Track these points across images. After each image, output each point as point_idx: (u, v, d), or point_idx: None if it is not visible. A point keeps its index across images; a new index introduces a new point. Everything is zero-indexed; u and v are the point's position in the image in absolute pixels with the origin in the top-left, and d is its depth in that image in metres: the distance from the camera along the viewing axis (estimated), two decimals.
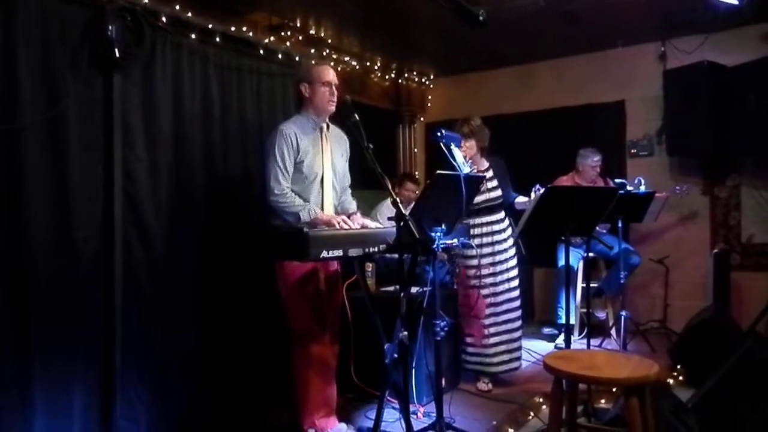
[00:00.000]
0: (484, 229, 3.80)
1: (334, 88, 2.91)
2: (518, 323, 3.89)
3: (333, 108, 2.94)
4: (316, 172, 2.91)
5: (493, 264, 3.79)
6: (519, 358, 3.93)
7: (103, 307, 2.71)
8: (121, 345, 2.74)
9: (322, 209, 2.89)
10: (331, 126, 3.04)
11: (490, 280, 3.77)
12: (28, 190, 2.46)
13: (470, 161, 3.67)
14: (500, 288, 3.79)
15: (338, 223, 2.71)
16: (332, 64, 5.20)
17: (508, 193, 3.91)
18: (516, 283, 3.89)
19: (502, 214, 3.88)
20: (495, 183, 3.84)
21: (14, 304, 2.42)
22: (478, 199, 3.67)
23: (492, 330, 3.75)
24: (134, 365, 2.81)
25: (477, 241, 3.74)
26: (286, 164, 2.81)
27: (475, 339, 3.76)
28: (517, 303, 3.88)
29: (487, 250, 3.78)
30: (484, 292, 3.74)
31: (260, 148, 3.11)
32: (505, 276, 3.82)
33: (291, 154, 2.82)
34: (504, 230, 3.85)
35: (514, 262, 3.90)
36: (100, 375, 2.70)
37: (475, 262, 3.73)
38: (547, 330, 5.34)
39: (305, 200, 2.84)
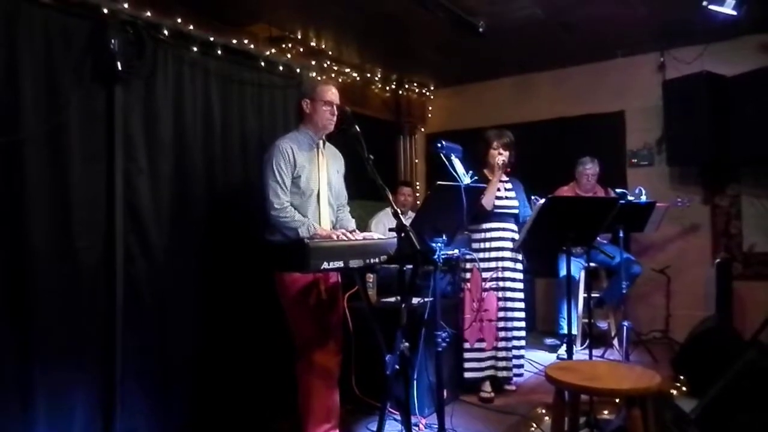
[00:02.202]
0: (501, 234, 3.86)
1: (335, 108, 2.93)
2: (520, 333, 3.93)
3: (332, 127, 2.98)
4: (312, 188, 2.93)
5: (506, 269, 3.86)
6: (521, 366, 3.97)
7: (105, 316, 2.72)
8: (122, 354, 2.74)
9: (319, 225, 2.89)
10: (327, 143, 3.07)
11: (501, 284, 3.84)
12: (30, 200, 2.48)
13: (501, 170, 3.85)
14: (507, 294, 3.86)
15: (338, 237, 2.71)
16: (333, 75, 5.24)
17: (524, 210, 3.97)
18: (521, 294, 3.93)
19: (515, 227, 3.94)
20: (513, 194, 3.95)
21: (16, 312, 2.43)
22: (497, 203, 3.81)
23: (501, 334, 3.82)
24: (135, 375, 2.81)
25: (494, 244, 3.83)
26: (284, 179, 2.83)
27: (488, 344, 3.77)
28: (520, 314, 3.92)
29: (500, 254, 3.84)
30: (498, 295, 3.80)
31: (260, 159, 3.12)
32: (509, 285, 3.87)
33: (288, 169, 2.84)
34: (515, 240, 3.91)
35: (518, 275, 3.94)
36: (101, 384, 2.70)
37: (492, 264, 3.80)
38: (549, 341, 5.32)
39: (302, 216, 2.85)
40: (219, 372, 3.18)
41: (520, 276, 3.95)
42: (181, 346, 3.03)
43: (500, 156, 3.84)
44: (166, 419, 2.94)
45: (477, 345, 3.79)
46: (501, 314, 3.82)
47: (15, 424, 2.41)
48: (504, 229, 3.88)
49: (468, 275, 3.86)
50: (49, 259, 2.53)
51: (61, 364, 2.55)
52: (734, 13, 4.02)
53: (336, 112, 2.93)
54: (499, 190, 3.87)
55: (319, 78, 3.51)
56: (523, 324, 3.93)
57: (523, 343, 3.96)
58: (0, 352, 2.38)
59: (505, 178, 3.97)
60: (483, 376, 3.80)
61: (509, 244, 3.87)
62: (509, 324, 3.86)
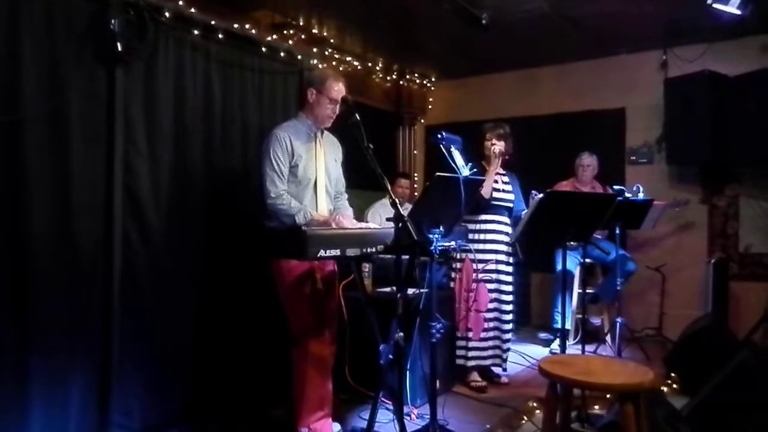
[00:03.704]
0: (496, 227, 3.88)
1: (337, 107, 2.92)
2: (509, 326, 3.95)
3: (330, 124, 2.98)
4: (310, 177, 2.92)
5: (500, 262, 3.87)
6: (505, 360, 3.99)
7: (102, 300, 2.71)
8: (119, 338, 2.74)
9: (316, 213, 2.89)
10: (325, 132, 3.06)
11: (494, 276, 3.86)
12: (29, 182, 2.46)
13: (498, 160, 3.86)
14: (500, 287, 3.88)
15: (335, 223, 2.71)
16: (334, 63, 5.21)
17: (518, 205, 3.99)
18: (511, 288, 3.95)
19: (508, 220, 3.94)
20: (510, 188, 3.97)
21: (13, 294, 2.42)
22: (495, 195, 3.84)
23: (491, 324, 3.85)
24: (131, 359, 2.81)
25: (489, 236, 3.85)
26: (282, 167, 2.82)
27: (474, 333, 3.79)
28: (509, 307, 3.93)
29: (494, 246, 3.85)
30: (491, 287, 3.82)
31: (259, 146, 3.11)
32: (501, 277, 3.88)
33: (285, 158, 2.84)
34: (509, 234, 3.92)
35: (509, 268, 3.95)
36: (97, 367, 2.69)
37: (487, 256, 3.81)
38: (542, 335, 5.34)
39: (299, 203, 2.84)
40: (214, 357, 3.18)
41: (511, 269, 3.96)
42: (177, 331, 3.03)
43: (495, 146, 3.85)
44: (161, 403, 2.94)
45: (465, 334, 3.81)
46: (493, 305, 3.84)
47: (11, 405, 2.41)
48: (499, 222, 3.90)
49: (460, 265, 3.86)
50: (47, 240, 2.52)
51: (58, 346, 2.54)
52: (739, 12, 4.00)
53: (338, 111, 2.92)
54: (496, 182, 3.88)
55: (326, 67, 3.47)
56: (511, 317, 3.96)
57: (510, 336, 3.99)
58: None
59: (502, 171, 3.97)
60: (470, 365, 3.83)
61: (503, 237, 3.89)
62: (501, 316, 3.88)
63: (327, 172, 3.01)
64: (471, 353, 3.82)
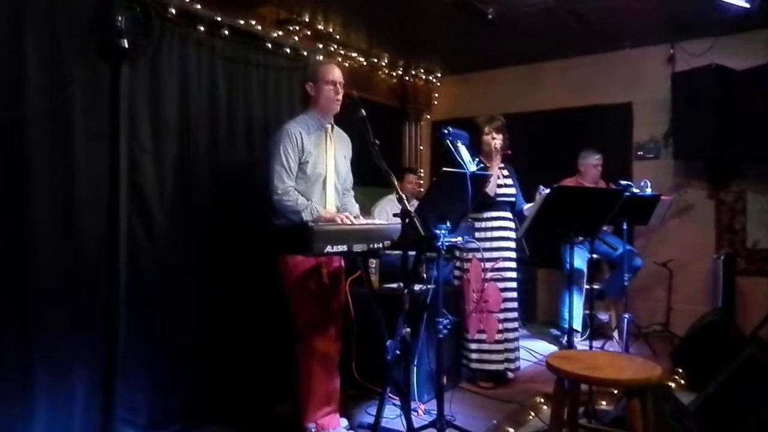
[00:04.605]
0: (501, 223, 3.83)
1: (339, 86, 2.90)
2: (515, 324, 3.91)
3: (338, 107, 2.94)
4: (320, 173, 2.91)
5: (506, 259, 3.83)
6: (518, 359, 3.95)
7: (107, 296, 2.72)
8: (124, 334, 2.75)
9: (324, 209, 2.88)
10: (336, 128, 3.04)
11: (502, 275, 3.81)
12: (33, 178, 2.47)
13: (499, 154, 3.82)
14: (507, 285, 3.83)
15: (341, 220, 2.70)
16: (339, 59, 5.20)
17: (519, 200, 3.94)
18: (514, 284, 3.89)
19: (511, 215, 3.91)
20: (511, 182, 3.91)
21: (18, 290, 2.43)
22: (498, 191, 3.77)
23: (504, 325, 3.78)
24: (136, 355, 2.82)
25: (496, 233, 3.80)
26: (291, 164, 2.81)
27: (489, 335, 3.72)
28: (515, 304, 3.89)
29: (501, 244, 3.81)
30: (500, 286, 3.77)
31: (265, 141, 3.10)
32: (508, 275, 3.84)
33: (295, 154, 2.82)
34: (513, 230, 3.88)
35: (514, 264, 3.91)
36: (101, 363, 2.70)
37: (495, 254, 3.76)
38: (553, 331, 5.32)
39: (307, 199, 2.84)
40: (219, 353, 3.19)
41: (515, 265, 3.91)
42: (182, 327, 3.04)
43: (495, 140, 3.80)
44: (166, 399, 2.95)
45: (477, 336, 3.74)
46: (502, 305, 3.77)
47: (16, 400, 2.42)
48: (504, 218, 3.85)
49: (466, 265, 3.81)
50: (52, 238, 2.52)
51: (63, 343, 2.55)
52: (747, 5, 3.98)
53: (341, 91, 2.90)
54: (498, 177, 3.83)
55: (319, 56, 3.47)
56: (516, 314, 3.90)
57: (517, 334, 3.93)
58: (2, 329, 2.38)
59: (501, 164, 3.93)
60: (491, 369, 3.74)
61: (509, 234, 3.84)
62: (509, 315, 3.82)
63: (336, 169, 2.99)
64: (485, 356, 3.72)
